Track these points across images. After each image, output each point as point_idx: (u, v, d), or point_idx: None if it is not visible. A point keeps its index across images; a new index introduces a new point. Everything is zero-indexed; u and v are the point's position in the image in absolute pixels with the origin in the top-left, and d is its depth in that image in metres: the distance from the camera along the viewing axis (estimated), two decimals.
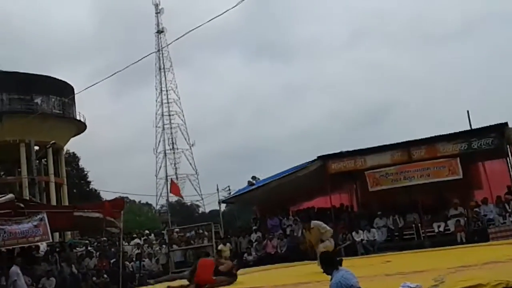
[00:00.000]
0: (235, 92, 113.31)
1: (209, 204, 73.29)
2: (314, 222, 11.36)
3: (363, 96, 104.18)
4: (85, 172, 57.19)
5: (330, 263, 5.69)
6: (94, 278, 16.96)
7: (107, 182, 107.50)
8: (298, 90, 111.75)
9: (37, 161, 41.19)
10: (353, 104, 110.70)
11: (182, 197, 30.94)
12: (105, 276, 17.64)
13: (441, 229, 17.89)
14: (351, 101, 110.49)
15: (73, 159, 55.46)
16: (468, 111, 25.54)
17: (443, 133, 18.34)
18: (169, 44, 63.91)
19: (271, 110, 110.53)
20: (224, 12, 14.07)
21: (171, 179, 50.96)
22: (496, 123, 17.39)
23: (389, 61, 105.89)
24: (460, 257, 9.94)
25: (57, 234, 27.03)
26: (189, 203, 71.59)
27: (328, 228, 10.93)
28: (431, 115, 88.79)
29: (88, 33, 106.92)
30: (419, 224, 18.28)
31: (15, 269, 14.45)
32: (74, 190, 50.70)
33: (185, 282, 10.92)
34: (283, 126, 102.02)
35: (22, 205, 16.30)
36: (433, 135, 18.53)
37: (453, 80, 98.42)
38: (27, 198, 29.51)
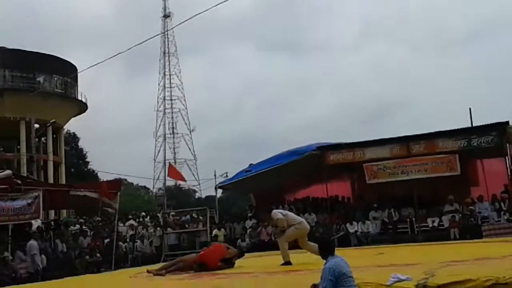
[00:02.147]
0: (245, 81, 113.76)
1: (206, 189, 73.67)
2: (273, 212, 11.02)
3: (372, 92, 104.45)
4: (84, 153, 57.28)
5: (327, 248, 5.76)
6: (87, 257, 17.02)
7: (106, 163, 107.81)
8: (309, 84, 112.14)
9: (37, 139, 41.26)
10: (361, 99, 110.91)
11: (183, 179, 30.84)
12: (98, 255, 17.73)
13: (435, 224, 17.95)
14: (360, 96, 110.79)
15: (72, 139, 55.51)
16: (470, 109, 25.49)
17: (443, 129, 18.36)
18: (173, 27, 64.01)
19: (279, 102, 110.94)
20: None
21: (169, 162, 51.12)
22: (497, 121, 17.34)
23: (401, 60, 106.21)
24: (452, 252, 9.97)
25: (52, 212, 27.09)
26: (186, 188, 71.83)
27: (280, 216, 10.46)
28: (438, 113, 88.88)
29: (104, 18, 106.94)
30: (414, 219, 18.35)
31: (33, 243, 15.16)
32: (72, 170, 50.81)
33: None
34: (290, 118, 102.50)
35: (19, 181, 16.35)
36: (433, 131, 18.59)
37: (460, 79, 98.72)
38: (25, 175, 29.52)
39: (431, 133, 18.46)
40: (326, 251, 5.72)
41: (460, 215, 17.70)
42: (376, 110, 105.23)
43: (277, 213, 10.73)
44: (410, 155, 17.96)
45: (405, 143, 18.24)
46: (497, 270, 5.65)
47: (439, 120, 74.83)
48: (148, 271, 10.01)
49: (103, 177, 47.62)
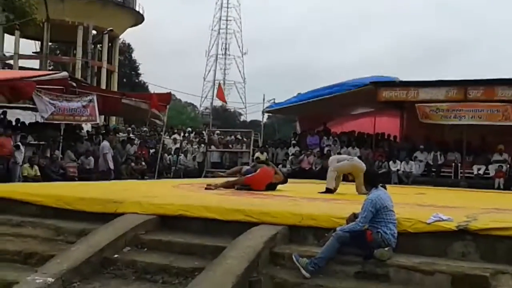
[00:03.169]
0: (305, 9, 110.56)
1: (252, 113, 73.93)
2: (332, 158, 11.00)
3: (433, 32, 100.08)
4: (137, 64, 57.90)
5: (371, 180, 5.80)
6: (133, 164, 17.55)
7: (157, 77, 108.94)
8: (369, 18, 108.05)
9: (93, 46, 41.82)
10: (421, 39, 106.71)
11: (225, 101, 31.06)
12: (143, 163, 18.26)
13: (481, 172, 17.64)
14: (420, 36, 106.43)
15: (127, 49, 55.99)
16: None
17: (505, 77, 17.61)
18: None
19: (336, 34, 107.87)
20: None
21: (218, 83, 51.22)
22: None
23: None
24: (495, 201, 9.81)
25: (102, 118, 27.86)
26: (232, 110, 72.31)
27: (332, 169, 10.38)
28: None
29: None
30: (459, 164, 18.04)
31: (106, 143, 16.38)
32: (124, 80, 51.66)
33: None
34: (344, 52, 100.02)
35: (74, 84, 16.77)
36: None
37: None
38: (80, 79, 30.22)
39: (491, 79, 17.74)
40: (370, 183, 5.73)
41: (508, 165, 17.29)
42: (437, 51, 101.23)
43: (333, 161, 10.64)
44: (466, 99, 17.37)
45: (463, 87, 17.60)
46: None
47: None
48: (207, 186, 10.10)
49: (153, 90, 48.27)
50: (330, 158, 10.97)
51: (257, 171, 10.53)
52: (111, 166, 15.89)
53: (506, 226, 5.27)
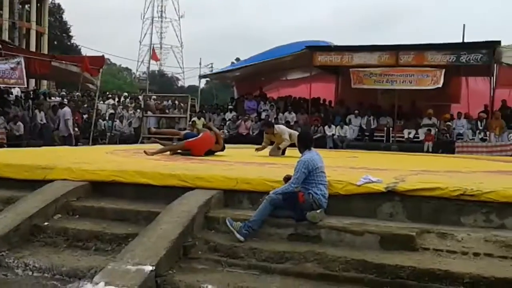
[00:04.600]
0: None
1: (189, 78, 73.35)
2: (279, 127, 11.14)
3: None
4: (69, 26, 55.59)
5: (305, 142, 5.81)
6: (60, 129, 17.02)
7: (90, 41, 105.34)
8: None
9: (20, 6, 39.71)
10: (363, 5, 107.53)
11: (157, 59, 30.57)
12: (77, 129, 17.76)
13: (411, 136, 18.29)
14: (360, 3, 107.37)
15: (57, 10, 53.54)
16: (464, 25, 25.00)
17: (434, 42, 18.15)
18: None
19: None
20: None
21: (152, 47, 50.10)
22: (489, 40, 17.14)
23: None
24: (423, 163, 10.20)
25: (32, 82, 26.75)
26: (169, 75, 71.16)
27: (287, 138, 10.67)
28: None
29: None
30: (391, 128, 18.61)
31: (68, 109, 16.68)
32: (55, 42, 49.50)
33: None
34: (286, 18, 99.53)
35: (0, 45, 15.94)
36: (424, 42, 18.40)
37: None
38: (6, 40, 28.73)
39: (421, 44, 18.28)
40: (303, 145, 5.77)
41: (437, 129, 18.00)
42: (377, 18, 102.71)
43: (285, 131, 10.77)
44: (397, 65, 17.83)
45: (395, 52, 18.04)
46: (465, 182, 5.78)
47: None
48: (144, 152, 9.93)
49: (87, 53, 46.65)
50: (280, 128, 11.02)
51: (199, 136, 10.43)
52: (72, 131, 16.39)
53: (432, 187, 5.48)
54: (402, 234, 4.96)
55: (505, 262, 4.58)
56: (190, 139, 10.29)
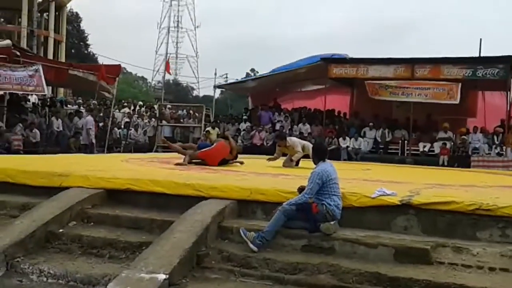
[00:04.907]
0: None
1: (204, 88, 73.58)
2: (291, 140, 11.14)
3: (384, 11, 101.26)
4: (86, 35, 56.23)
5: (319, 153, 5.84)
6: (81, 137, 17.19)
7: (107, 49, 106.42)
8: None
9: (39, 14, 40.23)
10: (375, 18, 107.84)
11: (169, 72, 30.95)
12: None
13: (426, 149, 18.19)
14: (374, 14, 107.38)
15: (75, 18, 54.21)
16: (480, 39, 24.90)
17: (450, 56, 18.09)
18: None
19: (295, 9, 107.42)
20: None
21: (168, 57, 50.45)
22: (506, 54, 17.02)
23: None
24: (439, 177, 10.12)
25: (49, 89, 27.03)
26: (184, 84, 71.52)
27: (300, 150, 10.67)
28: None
29: None
30: (406, 141, 18.52)
31: (90, 118, 17.08)
32: (73, 50, 50.13)
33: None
34: (303, 28, 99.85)
35: (18, 53, 16.17)
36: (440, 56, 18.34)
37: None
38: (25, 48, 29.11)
39: (437, 58, 18.22)
40: (318, 156, 5.79)
41: (452, 143, 17.88)
42: (389, 30, 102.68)
43: (298, 143, 10.80)
44: (413, 78, 17.78)
45: (410, 65, 18.01)
46: (481, 196, 5.74)
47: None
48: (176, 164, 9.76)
49: (103, 62, 47.00)
50: (292, 141, 11.03)
51: (213, 146, 10.45)
52: (93, 140, 16.79)
53: (447, 201, 5.44)
54: (417, 248, 4.93)
55: None
56: (203, 149, 10.32)
